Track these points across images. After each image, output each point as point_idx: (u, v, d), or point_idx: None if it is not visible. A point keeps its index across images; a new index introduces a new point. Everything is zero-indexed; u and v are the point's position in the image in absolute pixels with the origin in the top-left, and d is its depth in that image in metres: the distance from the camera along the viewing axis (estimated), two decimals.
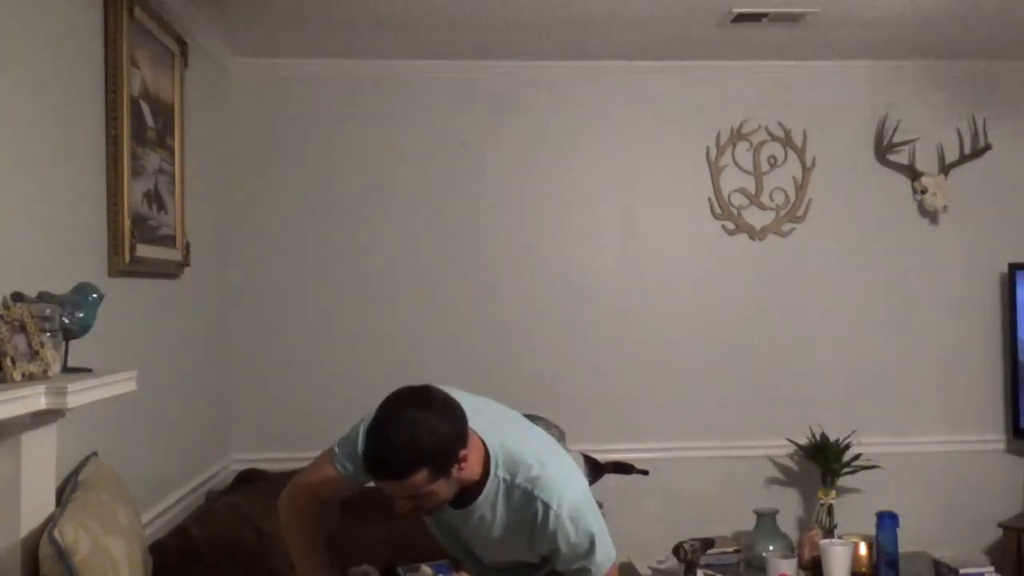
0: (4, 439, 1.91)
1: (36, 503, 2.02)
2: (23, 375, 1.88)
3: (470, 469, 2.06)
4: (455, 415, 2.02)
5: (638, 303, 4.33)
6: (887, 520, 3.59)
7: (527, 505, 2.10)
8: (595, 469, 2.86)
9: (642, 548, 3.91)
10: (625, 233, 4.34)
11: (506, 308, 4.27)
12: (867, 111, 4.39)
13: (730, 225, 4.37)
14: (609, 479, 3.10)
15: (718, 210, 4.36)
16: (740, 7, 3.55)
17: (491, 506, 2.13)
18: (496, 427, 2.16)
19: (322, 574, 2.25)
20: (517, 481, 2.10)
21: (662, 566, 3.75)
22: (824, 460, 4.13)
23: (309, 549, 2.25)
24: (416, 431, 1.95)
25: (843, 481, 4.17)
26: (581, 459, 2.68)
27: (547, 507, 2.08)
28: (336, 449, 2.22)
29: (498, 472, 2.10)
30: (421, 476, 1.97)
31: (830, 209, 4.39)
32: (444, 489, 2.03)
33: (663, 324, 4.32)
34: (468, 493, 2.12)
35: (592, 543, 2.13)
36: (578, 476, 2.23)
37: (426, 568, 3.40)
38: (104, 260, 2.68)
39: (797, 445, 4.25)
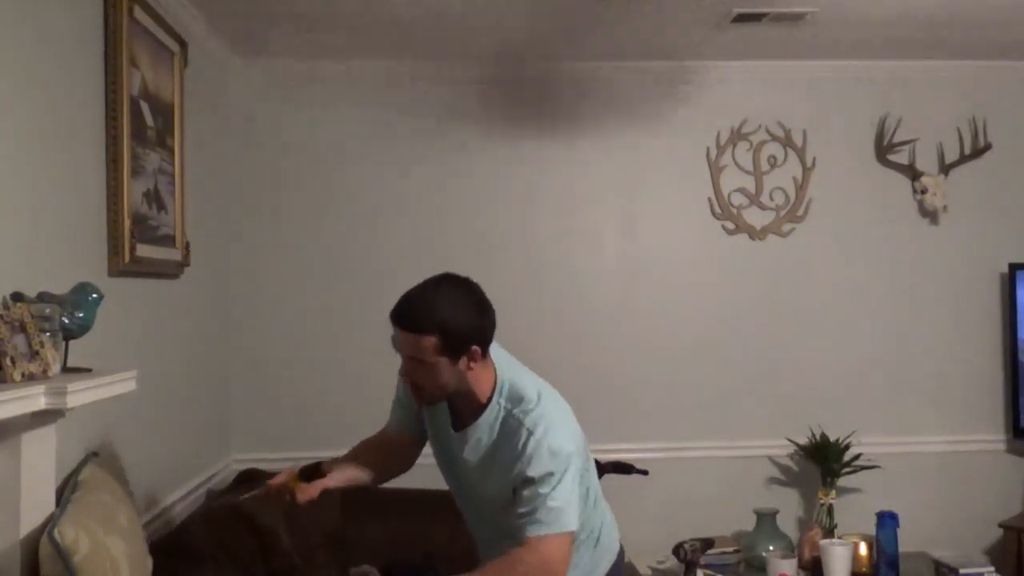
0: (4, 439, 1.91)
1: (36, 503, 2.02)
2: (23, 375, 1.88)
3: (478, 379, 2.18)
4: (484, 315, 2.19)
5: (638, 303, 4.33)
6: (887, 520, 3.60)
7: (515, 432, 2.18)
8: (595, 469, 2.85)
9: (642, 548, 3.91)
10: (625, 233, 4.34)
11: (507, 308, 4.23)
12: (867, 111, 4.39)
13: (730, 225, 4.37)
14: (609, 479, 3.11)
15: (718, 210, 4.37)
16: (740, 7, 3.54)
17: (488, 430, 2.22)
18: (513, 367, 2.29)
19: (347, 466, 2.41)
20: (514, 411, 2.20)
21: (662, 566, 3.76)
22: (824, 460, 4.13)
23: (353, 454, 2.47)
24: (443, 298, 2.15)
25: (843, 481, 4.17)
26: None
27: (530, 434, 2.15)
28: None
29: (500, 400, 2.21)
30: (430, 341, 2.11)
31: (830, 209, 4.39)
32: (446, 373, 2.14)
33: (663, 324, 4.32)
34: (472, 414, 2.22)
35: (557, 482, 2.12)
36: (570, 428, 2.25)
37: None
38: (104, 260, 2.68)
39: (797, 445, 4.25)
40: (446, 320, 2.12)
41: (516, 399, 2.21)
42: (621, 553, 2.57)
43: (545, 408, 2.20)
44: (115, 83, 2.71)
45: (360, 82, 4.22)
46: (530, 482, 2.11)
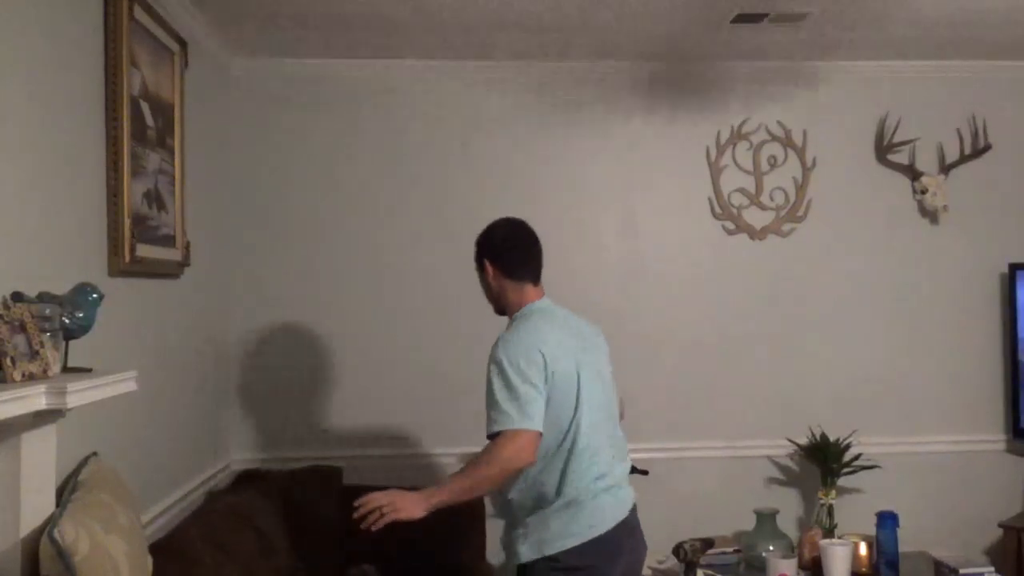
0: (4, 439, 1.91)
1: (36, 503, 2.02)
2: (23, 375, 1.88)
3: (506, 298, 2.81)
4: (505, 242, 2.83)
5: (638, 303, 4.32)
6: (887, 520, 3.60)
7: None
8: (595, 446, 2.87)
9: None
10: (625, 233, 4.34)
11: None
12: (867, 111, 4.39)
13: (730, 225, 4.37)
14: None
15: (718, 210, 4.36)
16: (740, 7, 3.54)
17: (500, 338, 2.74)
18: (548, 311, 2.79)
19: None
20: (503, 335, 2.70)
21: (662, 566, 3.76)
22: (824, 460, 4.13)
23: None
24: (492, 224, 2.89)
25: (843, 481, 4.17)
26: None
27: (494, 345, 2.67)
28: None
29: (512, 320, 2.78)
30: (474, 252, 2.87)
31: (830, 209, 4.39)
32: (481, 280, 2.87)
33: (663, 324, 4.32)
34: None
35: (498, 386, 2.56)
36: (527, 355, 2.61)
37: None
38: (104, 260, 2.68)
39: (797, 445, 4.25)
40: (479, 236, 2.87)
41: (513, 327, 2.73)
42: (597, 546, 2.63)
43: (518, 331, 2.69)
44: (115, 83, 2.71)
45: (359, 82, 4.22)
46: (486, 382, 2.60)
